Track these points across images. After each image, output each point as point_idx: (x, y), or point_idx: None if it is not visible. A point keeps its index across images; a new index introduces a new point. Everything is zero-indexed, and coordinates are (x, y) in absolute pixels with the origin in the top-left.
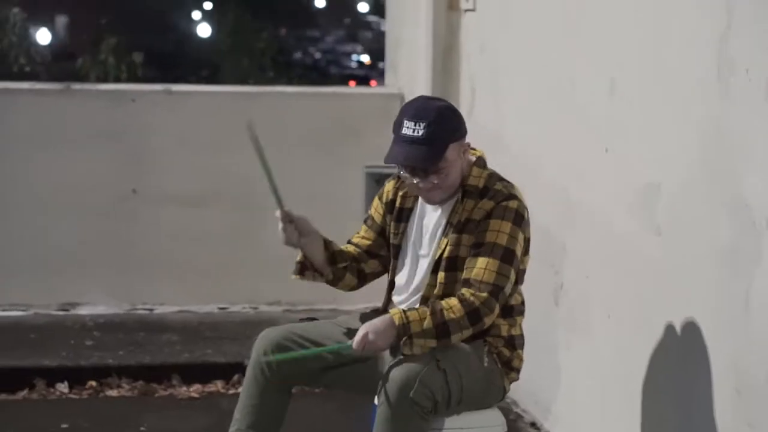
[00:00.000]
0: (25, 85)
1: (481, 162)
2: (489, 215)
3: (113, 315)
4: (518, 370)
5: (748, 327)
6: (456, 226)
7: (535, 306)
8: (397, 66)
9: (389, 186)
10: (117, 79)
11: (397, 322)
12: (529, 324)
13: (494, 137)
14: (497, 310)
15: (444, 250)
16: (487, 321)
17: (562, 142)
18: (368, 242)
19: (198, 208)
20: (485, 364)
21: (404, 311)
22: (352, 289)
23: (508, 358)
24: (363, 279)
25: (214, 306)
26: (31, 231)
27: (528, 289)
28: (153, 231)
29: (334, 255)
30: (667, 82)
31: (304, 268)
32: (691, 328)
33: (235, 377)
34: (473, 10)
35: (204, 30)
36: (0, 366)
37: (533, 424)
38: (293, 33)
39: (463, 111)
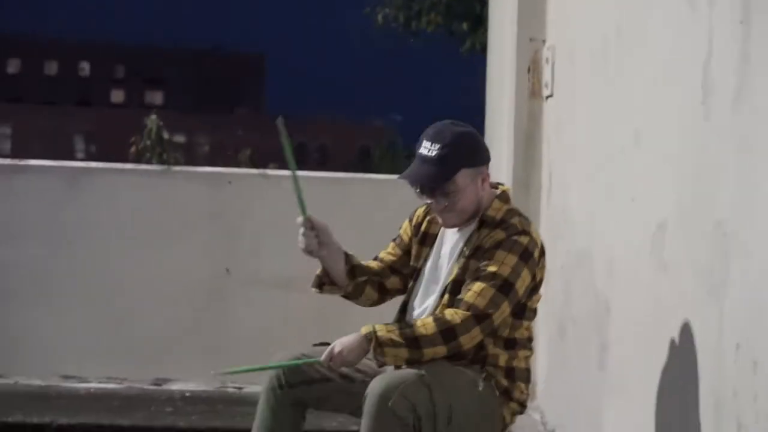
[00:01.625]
0: (128, 166)
1: (504, 196)
2: (498, 245)
3: (202, 391)
4: (521, 403)
5: None
6: (468, 253)
7: (581, 368)
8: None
9: (420, 210)
10: None
11: (363, 332)
12: (573, 387)
13: (563, 217)
14: (477, 334)
15: (453, 275)
16: (464, 341)
17: (615, 217)
18: (393, 258)
19: (288, 290)
20: (479, 388)
21: (373, 324)
22: (373, 304)
23: (506, 387)
24: (384, 294)
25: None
26: (129, 309)
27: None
28: (244, 311)
29: (354, 269)
30: None
31: (323, 282)
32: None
33: None
34: (552, 96)
35: None
36: (77, 423)
37: None
38: None
39: (542, 197)
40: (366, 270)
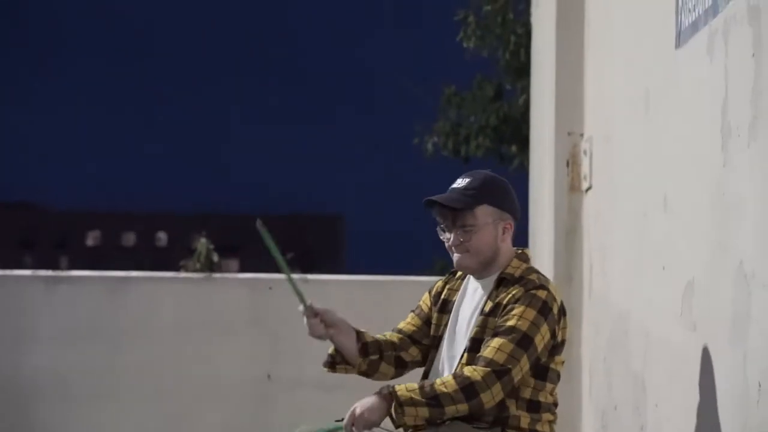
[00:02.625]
0: (170, 274)
1: (523, 256)
2: (516, 301)
3: None
4: None
5: None
6: (487, 311)
7: None
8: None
9: (439, 282)
10: None
11: (383, 392)
12: None
13: (604, 307)
14: (498, 391)
15: (472, 333)
16: (485, 398)
17: (648, 289)
18: (413, 328)
19: (330, 393)
20: None
21: (391, 385)
22: (391, 378)
23: None
24: (402, 367)
25: None
26: (171, 414)
27: None
28: (287, 415)
29: (366, 346)
30: None
31: (335, 362)
32: None
33: None
34: (591, 187)
35: None
36: None
37: None
38: None
39: (584, 289)
40: (381, 345)
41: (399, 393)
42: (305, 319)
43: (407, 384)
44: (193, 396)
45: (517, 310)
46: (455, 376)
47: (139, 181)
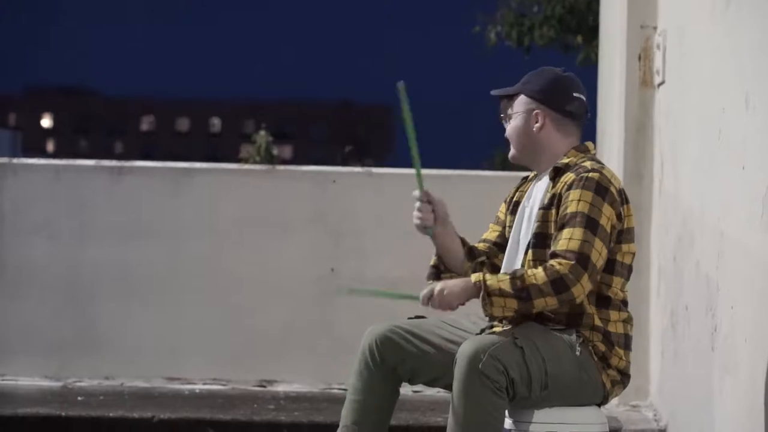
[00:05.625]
0: (232, 166)
1: (582, 148)
2: (569, 188)
3: (307, 392)
4: (622, 372)
5: None
6: (545, 203)
7: (693, 354)
8: (600, 149)
9: (512, 189)
10: None
11: (473, 280)
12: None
13: (674, 205)
14: (587, 282)
15: (534, 229)
16: (576, 292)
17: (724, 189)
18: (496, 234)
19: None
20: (577, 353)
21: (483, 273)
22: None
23: (603, 353)
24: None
25: (409, 389)
26: (232, 310)
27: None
28: (348, 313)
29: (471, 249)
30: None
31: (439, 272)
32: None
33: None
34: (663, 83)
35: None
36: (177, 417)
37: None
38: None
39: (655, 186)
40: (480, 251)
41: (489, 282)
42: (417, 205)
43: (498, 275)
44: (253, 292)
45: (573, 195)
46: (545, 268)
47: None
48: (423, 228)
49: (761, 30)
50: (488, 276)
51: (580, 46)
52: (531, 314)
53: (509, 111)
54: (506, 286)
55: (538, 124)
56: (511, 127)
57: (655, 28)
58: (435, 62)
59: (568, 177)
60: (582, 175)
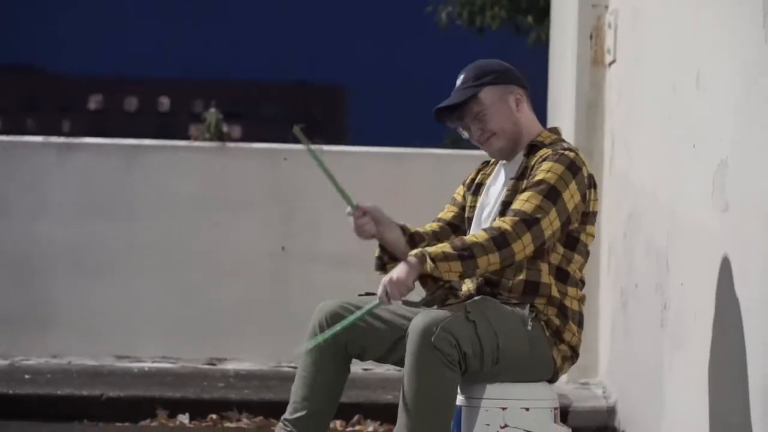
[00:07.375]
0: (183, 143)
1: (555, 130)
2: (544, 160)
3: (257, 370)
4: (572, 347)
5: None
6: (516, 175)
7: (643, 331)
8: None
9: (473, 172)
10: None
11: (412, 253)
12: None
13: (625, 182)
14: (529, 241)
15: (502, 197)
16: (516, 248)
17: (675, 167)
18: (451, 214)
19: (346, 269)
20: (528, 328)
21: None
22: None
23: (557, 327)
24: None
25: (359, 367)
26: (184, 287)
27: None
28: (300, 290)
29: (413, 236)
30: None
31: (384, 263)
32: None
33: (355, 418)
34: (614, 61)
35: None
36: (126, 395)
37: None
38: None
39: (605, 164)
40: (424, 235)
41: (430, 250)
42: (352, 221)
43: (438, 244)
44: (204, 269)
45: (545, 165)
46: (485, 229)
47: (142, 45)
48: (367, 238)
49: (713, 8)
50: (428, 247)
51: (531, 27)
52: (476, 273)
53: (476, 110)
54: (448, 249)
55: (516, 105)
56: (494, 119)
57: (606, 7)
58: (390, 43)
59: (545, 151)
60: (559, 151)
